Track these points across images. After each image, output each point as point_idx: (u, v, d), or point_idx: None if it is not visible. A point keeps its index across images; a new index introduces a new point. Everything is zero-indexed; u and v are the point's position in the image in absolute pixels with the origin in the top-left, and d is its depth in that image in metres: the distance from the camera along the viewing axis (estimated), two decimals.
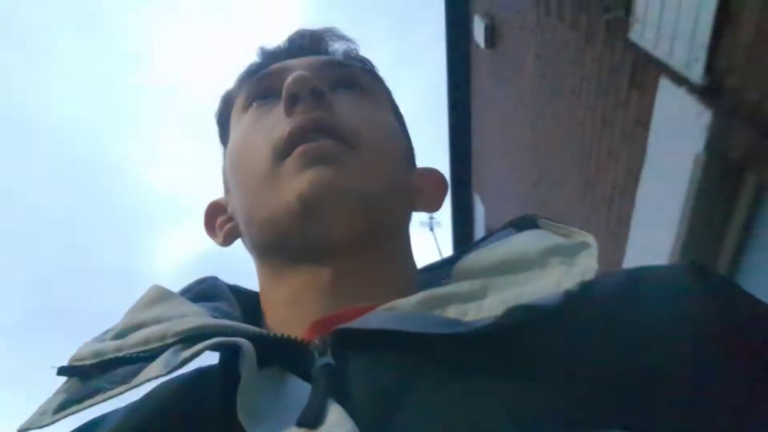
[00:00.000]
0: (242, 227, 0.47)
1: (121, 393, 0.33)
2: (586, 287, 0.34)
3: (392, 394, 0.31)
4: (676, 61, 1.63)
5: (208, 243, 0.52)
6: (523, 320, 0.32)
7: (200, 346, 0.33)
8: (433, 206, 0.52)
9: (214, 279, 0.47)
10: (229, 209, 0.50)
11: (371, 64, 0.53)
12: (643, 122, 1.89)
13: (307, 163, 0.40)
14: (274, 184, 0.41)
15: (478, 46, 3.93)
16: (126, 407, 0.37)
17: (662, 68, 1.73)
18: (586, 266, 0.35)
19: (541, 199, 3.09)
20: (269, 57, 0.51)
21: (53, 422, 0.33)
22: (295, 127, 0.42)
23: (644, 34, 1.79)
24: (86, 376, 0.36)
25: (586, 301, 0.34)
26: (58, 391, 0.36)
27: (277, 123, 0.43)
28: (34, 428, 0.33)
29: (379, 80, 0.52)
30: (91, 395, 0.33)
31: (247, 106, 0.48)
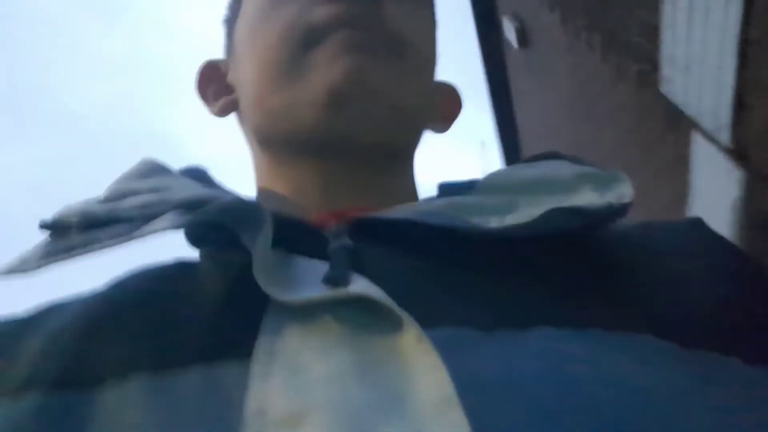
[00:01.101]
0: (246, 107, 0.43)
1: (120, 243, 0.30)
2: (623, 211, 0.33)
3: (416, 281, 0.30)
4: (706, 124, 1.81)
5: None
6: (562, 226, 0.31)
7: (216, 205, 0.30)
8: (446, 126, 0.50)
9: (204, 169, 0.43)
10: (230, 78, 0.46)
11: None
12: (682, 159, 2.07)
13: (343, 49, 0.37)
14: (297, 73, 0.38)
15: (510, 45, 4.06)
16: (90, 295, 0.33)
17: (694, 123, 1.90)
18: (621, 191, 0.34)
19: None
20: None
21: (39, 267, 0.31)
22: (335, 15, 0.38)
23: (673, 91, 1.96)
24: (71, 233, 0.32)
25: (617, 232, 0.34)
26: (37, 245, 0.33)
27: (312, 3, 0.39)
28: (16, 272, 0.31)
29: None
30: (83, 245, 0.31)
31: None
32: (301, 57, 0.38)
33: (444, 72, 0.48)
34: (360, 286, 0.27)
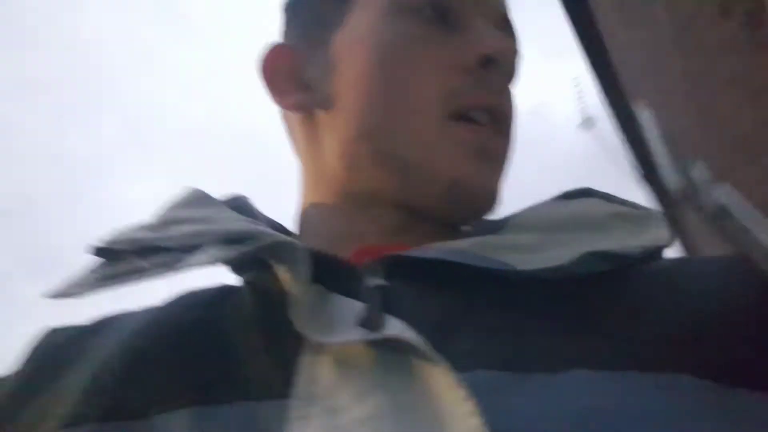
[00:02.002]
0: (348, 130, 0.40)
1: (163, 274, 0.32)
2: (658, 254, 0.33)
3: (449, 322, 0.30)
4: None
5: None
6: (595, 270, 0.31)
7: (258, 243, 0.32)
8: None
9: (246, 198, 0.44)
10: (311, 76, 0.43)
11: None
12: None
13: (476, 152, 0.38)
14: (431, 138, 0.38)
15: None
16: (144, 310, 0.37)
17: None
18: (658, 234, 0.34)
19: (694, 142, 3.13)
20: None
21: (86, 293, 0.32)
22: (482, 101, 0.39)
23: None
24: (119, 260, 0.34)
25: (650, 270, 0.34)
26: (87, 270, 0.34)
27: (460, 70, 0.38)
28: (66, 297, 0.32)
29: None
30: (128, 273, 0.32)
31: (418, 10, 0.40)
32: (441, 121, 0.38)
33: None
34: (394, 328, 0.27)
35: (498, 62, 0.39)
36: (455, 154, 0.38)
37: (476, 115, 0.39)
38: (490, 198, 0.40)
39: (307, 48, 0.44)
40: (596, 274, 0.32)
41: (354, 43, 0.41)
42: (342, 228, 0.41)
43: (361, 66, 0.40)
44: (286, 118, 0.48)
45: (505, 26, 0.43)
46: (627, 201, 0.39)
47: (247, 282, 0.37)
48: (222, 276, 0.39)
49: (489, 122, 0.39)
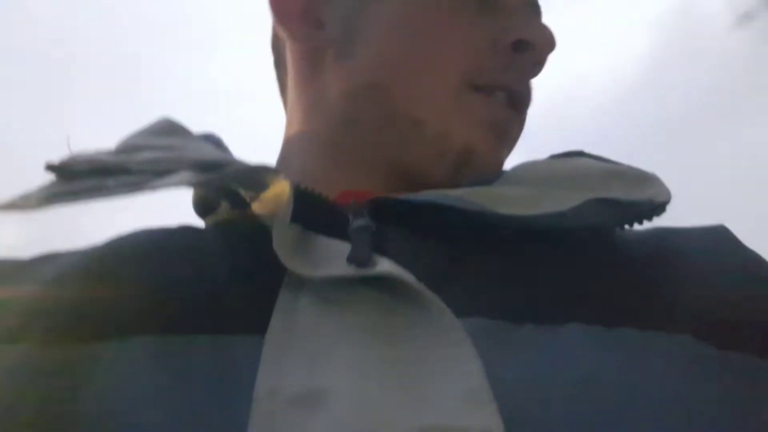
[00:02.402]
0: (361, 79, 0.39)
1: (129, 194, 0.28)
2: (662, 209, 0.33)
3: (442, 267, 0.29)
4: None
5: None
6: (598, 220, 0.31)
7: (235, 167, 0.29)
8: None
9: (219, 138, 0.41)
10: (326, 13, 0.41)
11: None
12: None
13: (498, 131, 0.38)
14: (448, 107, 0.37)
15: None
16: (88, 248, 0.33)
17: None
18: (660, 190, 0.34)
19: None
20: None
21: (41, 207, 0.28)
22: (511, 85, 0.39)
23: None
24: (78, 179, 0.31)
25: (645, 233, 0.34)
26: (42, 186, 0.31)
27: (492, 46, 0.38)
28: (16, 209, 0.29)
29: None
30: (90, 190, 0.29)
31: None
32: (461, 89, 0.37)
33: None
34: (387, 266, 0.26)
35: (534, 49, 0.38)
36: (469, 122, 0.37)
37: (495, 93, 0.38)
38: (495, 171, 0.39)
39: None
40: (593, 229, 0.32)
41: (386, 2, 0.40)
42: (327, 166, 0.39)
43: (391, 22, 0.39)
44: (279, 46, 0.46)
45: (535, 8, 0.43)
46: (621, 163, 0.39)
47: (215, 220, 0.35)
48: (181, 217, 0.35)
49: (506, 102, 0.39)
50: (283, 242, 0.27)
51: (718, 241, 0.34)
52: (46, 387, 0.24)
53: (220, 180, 0.30)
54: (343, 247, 0.28)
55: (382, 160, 0.38)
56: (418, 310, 0.25)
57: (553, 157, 0.41)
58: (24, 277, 0.31)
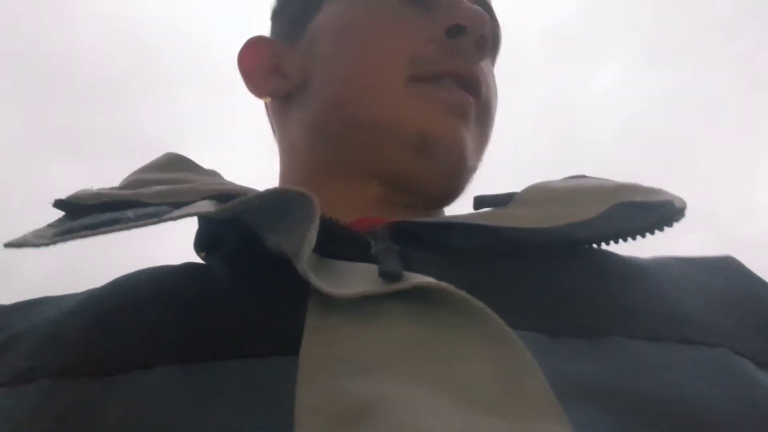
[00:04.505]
0: (319, 103, 0.41)
1: (151, 224, 0.28)
2: (682, 212, 0.34)
3: (473, 285, 0.27)
4: None
5: None
6: (628, 225, 0.32)
7: (260, 192, 0.29)
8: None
9: (219, 174, 0.41)
10: (288, 64, 0.44)
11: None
12: None
13: (450, 111, 0.38)
14: (397, 101, 0.38)
15: None
16: (87, 293, 0.32)
17: None
18: (673, 197, 0.35)
19: None
20: None
21: (55, 243, 0.28)
22: (451, 68, 0.39)
23: None
24: (89, 214, 0.31)
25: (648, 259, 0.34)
26: (52, 223, 0.31)
27: (429, 38, 0.39)
28: (29, 245, 0.29)
29: (500, 34, 0.48)
30: (109, 223, 0.29)
31: None
32: (407, 84, 0.38)
33: None
34: (420, 278, 0.25)
35: (466, 29, 0.39)
36: (422, 109, 0.38)
37: (442, 80, 0.39)
38: (460, 153, 0.38)
39: (286, 40, 0.46)
40: (618, 238, 0.32)
41: (326, 24, 0.43)
42: (324, 195, 0.37)
43: (332, 42, 0.41)
44: (268, 112, 0.48)
45: (480, 2, 0.44)
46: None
47: (220, 258, 0.35)
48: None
49: (456, 86, 0.39)
50: (308, 266, 0.26)
51: (730, 272, 0.35)
52: (66, 423, 0.23)
53: (244, 205, 0.29)
54: (368, 268, 0.27)
55: (366, 172, 0.39)
56: (464, 316, 0.24)
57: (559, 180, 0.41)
58: (19, 320, 0.30)
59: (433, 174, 0.38)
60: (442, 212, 0.43)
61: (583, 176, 0.40)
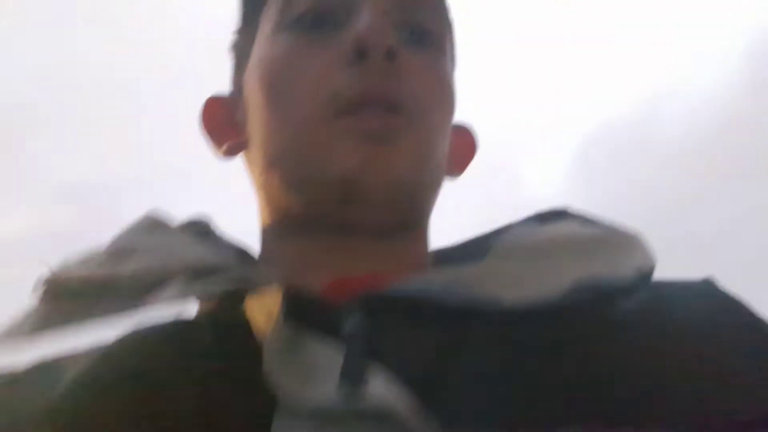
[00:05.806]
0: (260, 160, 0.40)
1: (123, 314, 0.30)
2: (648, 278, 0.34)
3: (438, 365, 0.29)
4: None
5: None
6: (587, 303, 0.32)
7: (225, 278, 0.31)
8: (456, 173, 0.48)
9: (207, 221, 0.43)
10: (238, 117, 0.44)
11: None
12: None
13: (364, 138, 0.36)
14: (320, 142, 0.37)
15: None
16: (85, 353, 0.33)
17: None
18: (645, 256, 0.35)
19: None
20: None
21: (30, 340, 0.30)
22: (363, 93, 0.37)
23: None
24: (68, 298, 0.32)
25: (636, 305, 0.33)
26: (31, 310, 0.32)
27: (339, 67, 0.37)
28: (9, 340, 0.30)
29: (448, 18, 0.44)
30: (82, 313, 0.30)
31: (299, 20, 0.40)
32: (327, 122, 0.37)
33: None
34: (378, 392, 0.27)
35: (368, 51, 0.36)
36: (344, 147, 0.36)
37: (365, 110, 0.37)
38: (392, 181, 0.37)
39: (235, 92, 0.46)
40: (587, 305, 0.32)
41: (250, 74, 0.42)
42: (296, 256, 0.39)
43: (255, 93, 0.41)
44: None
45: (405, 5, 0.41)
46: (603, 223, 0.39)
47: (206, 314, 0.36)
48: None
49: (380, 112, 0.37)
50: (272, 359, 0.28)
51: (708, 306, 0.34)
52: None
53: (213, 291, 0.31)
54: (336, 357, 0.29)
55: (318, 226, 0.39)
56: None
57: (535, 219, 0.42)
58: (24, 395, 0.32)
59: (373, 213, 0.37)
60: (424, 238, 0.42)
61: (563, 214, 0.41)
